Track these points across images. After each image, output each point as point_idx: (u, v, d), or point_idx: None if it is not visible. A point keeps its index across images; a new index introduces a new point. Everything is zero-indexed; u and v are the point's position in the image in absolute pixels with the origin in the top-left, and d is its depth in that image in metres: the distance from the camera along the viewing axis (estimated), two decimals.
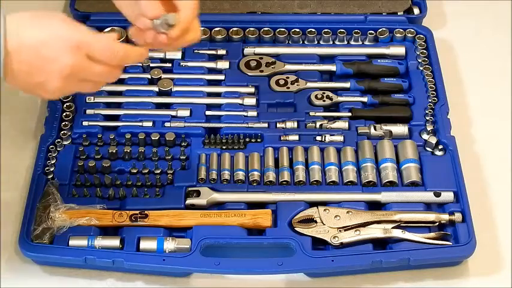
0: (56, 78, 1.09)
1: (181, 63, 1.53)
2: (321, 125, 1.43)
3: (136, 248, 1.26)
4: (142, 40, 1.20)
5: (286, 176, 1.36)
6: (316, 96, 1.47)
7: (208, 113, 1.45)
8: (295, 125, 1.43)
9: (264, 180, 1.36)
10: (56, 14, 1.11)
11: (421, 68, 1.52)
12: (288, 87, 1.49)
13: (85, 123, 1.43)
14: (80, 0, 1.61)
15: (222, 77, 1.52)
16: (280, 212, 1.30)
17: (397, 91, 1.49)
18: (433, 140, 1.39)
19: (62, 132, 1.41)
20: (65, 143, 1.40)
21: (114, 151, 1.38)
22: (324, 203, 1.32)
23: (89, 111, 1.45)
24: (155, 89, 1.49)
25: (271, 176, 1.36)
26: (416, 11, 1.62)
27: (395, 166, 1.37)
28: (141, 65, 1.52)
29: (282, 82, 1.50)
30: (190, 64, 1.53)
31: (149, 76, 1.50)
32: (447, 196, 1.32)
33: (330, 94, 1.48)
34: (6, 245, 1.30)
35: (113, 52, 1.11)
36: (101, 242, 1.26)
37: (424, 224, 1.29)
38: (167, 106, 1.47)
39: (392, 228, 1.28)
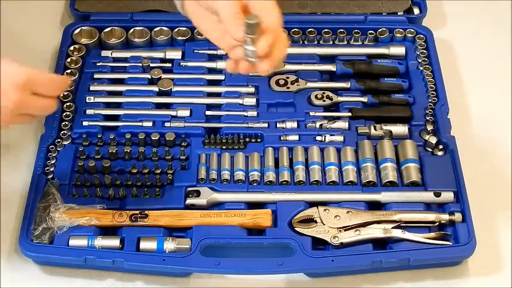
0: None
1: (181, 63, 1.53)
2: (321, 125, 1.43)
3: (136, 248, 1.26)
4: (237, 71, 1.22)
5: (286, 176, 1.36)
6: (316, 96, 1.47)
7: (208, 113, 1.45)
8: (295, 125, 1.43)
9: (264, 180, 1.36)
10: (4, 56, 1.17)
11: (421, 68, 1.52)
12: (288, 87, 1.49)
13: (85, 123, 1.43)
14: (80, 0, 1.61)
15: (222, 77, 1.52)
16: (280, 212, 1.30)
17: (397, 91, 1.49)
18: (433, 140, 1.39)
19: (62, 132, 1.41)
20: (65, 143, 1.40)
21: (114, 151, 1.38)
22: (324, 203, 1.32)
23: (89, 111, 1.45)
24: (155, 89, 1.49)
25: (271, 176, 1.36)
26: (416, 11, 1.62)
27: (395, 166, 1.37)
28: (141, 65, 1.52)
29: (282, 82, 1.50)
30: (190, 64, 1.53)
31: (149, 76, 1.50)
32: (447, 196, 1.32)
33: (330, 94, 1.48)
34: (6, 245, 1.30)
35: (54, 83, 1.21)
36: (101, 242, 1.26)
37: (424, 224, 1.29)
38: (167, 106, 1.47)
39: (392, 228, 1.28)
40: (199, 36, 1.56)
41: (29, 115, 1.21)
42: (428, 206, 1.32)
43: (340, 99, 1.48)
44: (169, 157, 1.38)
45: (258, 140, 1.42)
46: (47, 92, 1.20)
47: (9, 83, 1.14)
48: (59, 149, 1.39)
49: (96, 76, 1.51)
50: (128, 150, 1.38)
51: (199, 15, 1.24)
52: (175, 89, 1.49)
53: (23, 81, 1.15)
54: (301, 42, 1.58)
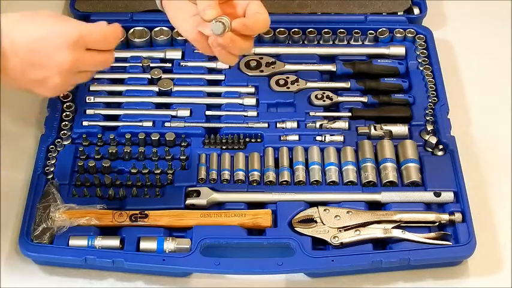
0: (55, 75, 1.11)
1: (181, 63, 1.53)
2: (321, 125, 1.43)
3: (136, 248, 1.26)
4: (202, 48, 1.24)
5: (286, 176, 1.36)
6: (316, 96, 1.47)
7: (208, 113, 1.45)
8: (295, 125, 1.43)
9: (264, 180, 1.36)
10: (48, 12, 1.13)
11: (421, 68, 1.52)
12: (288, 87, 1.49)
13: (85, 123, 1.43)
14: (80, 0, 1.61)
15: (222, 77, 1.52)
16: (280, 212, 1.30)
17: (397, 91, 1.49)
18: (433, 140, 1.39)
19: (62, 132, 1.41)
20: (65, 143, 1.40)
21: (114, 151, 1.38)
22: (324, 203, 1.32)
23: (89, 111, 1.45)
24: (155, 89, 1.49)
25: (271, 176, 1.36)
26: (416, 11, 1.62)
27: (395, 166, 1.37)
28: (141, 65, 1.52)
29: (282, 82, 1.50)
30: (190, 64, 1.53)
31: (149, 76, 1.50)
32: (447, 196, 1.32)
33: (330, 94, 1.48)
34: (6, 245, 1.30)
35: (108, 37, 1.15)
36: (101, 242, 1.26)
37: (424, 224, 1.29)
38: (167, 106, 1.47)
39: (392, 228, 1.28)
40: None
41: (86, 72, 1.17)
42: (428, 206, 1.32)
43: (340, 99, 1.48)
44: (169, 157, 1.38)
45: (258, 140, 1.42)
46: (102, 47, 1.15)
47: (61, 41, 1.10)
48: (59, 149, 1.39)
49: (96, 76, 1.51)
50: (128, 150, 1.38)
51: (176, 7, 1.26)
52: (175, 89, 1.49)
53: (73, 39, 1.10)
54: (301, 42, 1.58)
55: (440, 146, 1.39)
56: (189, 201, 1.32)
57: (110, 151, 1.38)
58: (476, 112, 1.50)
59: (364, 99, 1.47)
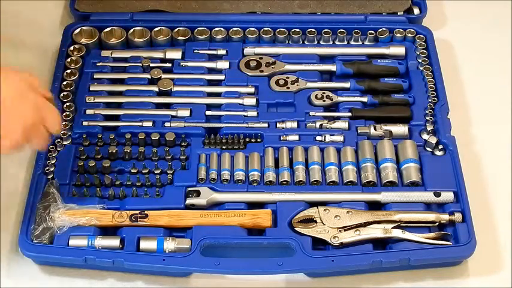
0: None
1: (181, 63, 1.53)
2: (321, 125, 1.43)
3: (136, 248, 1.26)
4: None
5: (286, 176, 1.36)
6: (316, 96, 1.47)
7: (208, 113, 1.45)
8: (295, 125, 1.43)
9: (264, 180, 1.36)
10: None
11: (421, 68, 1.52)
12: (288, 87, 1.49)
13: (85, 123, 1.43)
14: (80, 0, 1.61)
15: (222, 77, 1.52)
16: (280, 212, 1.30)
17: (397, 91, 1.49)
18: (433, 140, 1.39)
19: (62, 132, 1.41)
20: (65, 143, 1.40)
21: (114, 151, 1.38)
22: (324, 203, 1.32)
23: (89, 111, 1.45)
24: (155, 89, 1.49)
25: (271, 176, 1.36)
26: (416, 11, 1.62)
27: (395, 166, 1.37)
28: (141, 65, 1.52)
29: (282, 82, 1.50)
30: (190, 64, 1.53)
31: (149, 76, 1.51)
32: (447, 196, 1.32)
33: (330, 94, 1.48)
34: (6, 245, 1.30)
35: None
36: (101, 242, 1.26)
37: (424, 224, 1.29)
38: (167, 106, 1.47)
39: (392, 228, 1.28)
40: (199, 37, 1.57)
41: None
42: (428, 206, 1.32)
43: (340, 99, 1.48)
44: (169, 157, 1.38)
45: (258, 140, 1.42)
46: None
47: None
48: (59, 149, 1.39)
49: (96, 76, 1.51)
50: (128, 150, 1.38)
51: None
52: (175, 89, 1.49)
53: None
54: (301, 42, 1.58)
55: (440, 146, 1.39)
56: (189, 201, 1.32)
57: (110, 151, 1.38)
58: (476, 112, 1.50)
59: (364, 99, 1.47)
